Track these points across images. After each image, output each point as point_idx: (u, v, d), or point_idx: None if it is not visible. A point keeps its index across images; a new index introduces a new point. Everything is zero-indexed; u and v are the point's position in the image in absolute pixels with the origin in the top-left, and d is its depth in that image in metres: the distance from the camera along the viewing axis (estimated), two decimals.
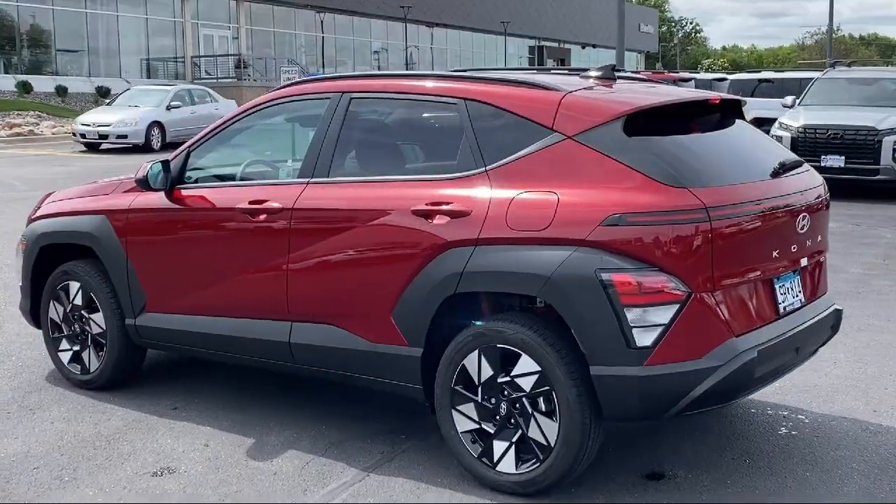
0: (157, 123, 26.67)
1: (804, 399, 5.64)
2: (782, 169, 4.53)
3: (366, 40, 60.20)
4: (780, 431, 5.20)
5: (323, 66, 51.85)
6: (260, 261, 5.04)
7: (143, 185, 5.36)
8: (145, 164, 5.37)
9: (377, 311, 4.65)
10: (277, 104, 5.34)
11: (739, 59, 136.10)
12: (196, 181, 5.57)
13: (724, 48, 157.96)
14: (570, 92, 4.42)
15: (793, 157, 4.85)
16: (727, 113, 4.81)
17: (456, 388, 4.43)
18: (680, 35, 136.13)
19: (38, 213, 6.18)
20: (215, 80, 47.58)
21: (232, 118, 5.45)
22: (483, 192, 4.35)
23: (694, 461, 4.78)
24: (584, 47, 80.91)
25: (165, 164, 5.37)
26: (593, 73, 4.88)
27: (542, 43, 75.31)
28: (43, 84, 39.33)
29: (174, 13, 47.84)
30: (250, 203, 5.06)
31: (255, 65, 49.27)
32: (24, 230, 6.31)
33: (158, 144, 26.22)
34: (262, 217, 5.00)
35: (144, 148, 25.84)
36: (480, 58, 67.93)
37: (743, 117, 4.92)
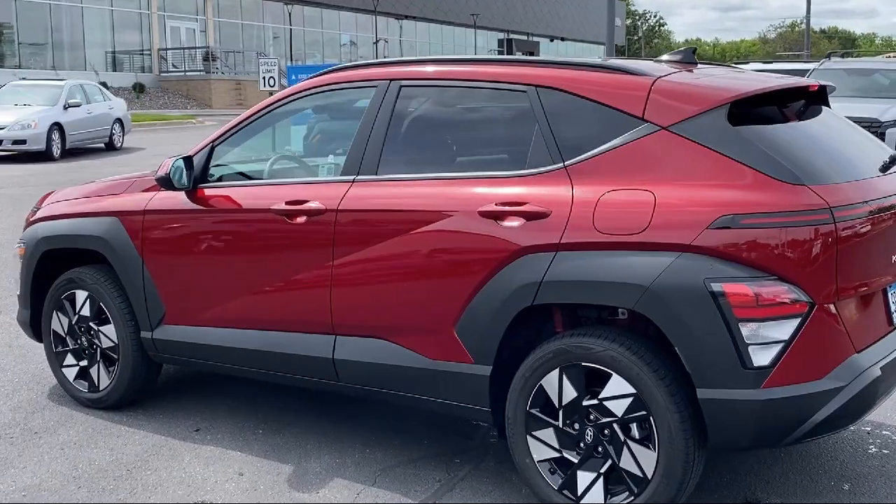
0: (58, 126, 21.17)
1: (882, 412, 5.18)
2: (891, 163, 4.06)
3: (335, 33, 59.49)
4: (869, 450, 4.74)
5: (291, 59, 51.05)
6: (299, 267, 4.51)
7: (165, 183, 4.81)
8: (167, 161, 4.81)
9: (437, 325, 4.13)
10: (312, 94, 4.80)
11: (703, 52, 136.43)
12: (220, 179, 5.02)
13: (686, 41, 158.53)
14: (661, 77, 3.93)
15: (890, 149, 4.38)
16: (818, 101, 4.33)
17: (532, 411, 3.93)
18: (644, 28, 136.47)
19: (37, 215, 5.60)
20: (183, 74, 46.80)
21: (261, 109, 4.91)
22: (563, 191, 3.85)
23: (788, 488, 4.33)
24: (552, 40, 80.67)
25: (188, 160, 4.82)
26: (670, 58, 4.37)
27: (511, 36, 74.92)
28: (5, 78, 38.25)
29: (140, 5, 46.91)
30: (287, 204, 4.52)
31: (224, 58, 48.44)
32: (21, 234, 5.70)
33: (58, 151, 21.16)
34: (302, 219, 4.47)
35: (45, 155, 20.98)
36: (450, 50, 67.42)
37: (829, 105, 4.44)
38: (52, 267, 5.55)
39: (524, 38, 75.76)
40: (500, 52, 72.73)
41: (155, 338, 5.09)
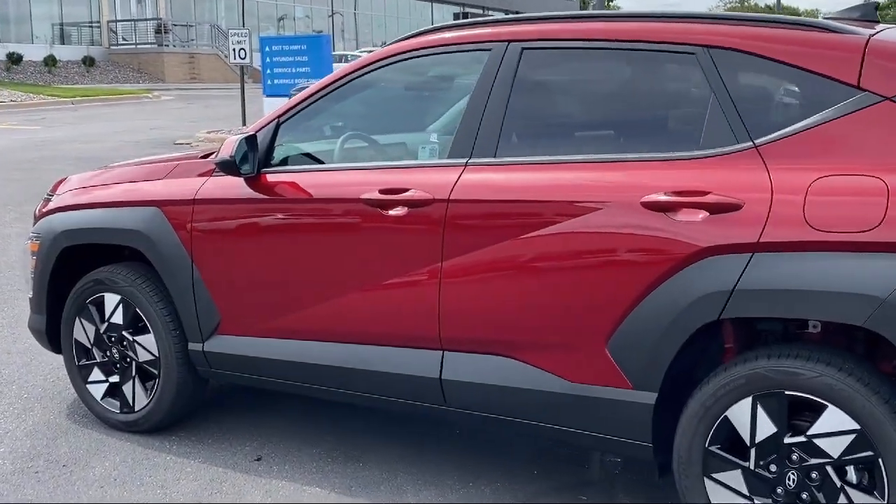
0: None
1: None
2: None
3: (289, 5, 58.00)
4: None
5: None
6: (396, 269, 3.71)
7: (229, 168, 3.97)
8: (230, 141, 3.96)
9: (582, 341, 3.36)
10: (404, 59, 3.99)
11: None
12: (285, 162, 4.17)
13: None
14: (874, 35, 3.16)
15: None
16: None
17: (711, 448, 3.19)
18: (595, 1, 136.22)
19: (54, 204, 4.70)
20: (134, 47, 45.32)
21: (338, 79, 4.07)
22: (758, 177, 3.09)
23: None
24: (507, 13, 79.65)
25: (251, 140, 3.98)
26: (846, 15, 3.60)
27: (467, 10, 73.88)
28: None
29: None
30: (382, 192, 3.69)
31: (176, 31, 46.95)
32: (34, 226, 4.80)
33: None
34: (401, 211, 3.66)
35: None
36: (406, 25, 66.27)
37: None
38: (74, 265, 4.65)
39: (479, 11, 74.76)
40: None
41: (207, 350, 4.26)
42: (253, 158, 4.01)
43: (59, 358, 5.25)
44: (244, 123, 19.96)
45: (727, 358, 3.40)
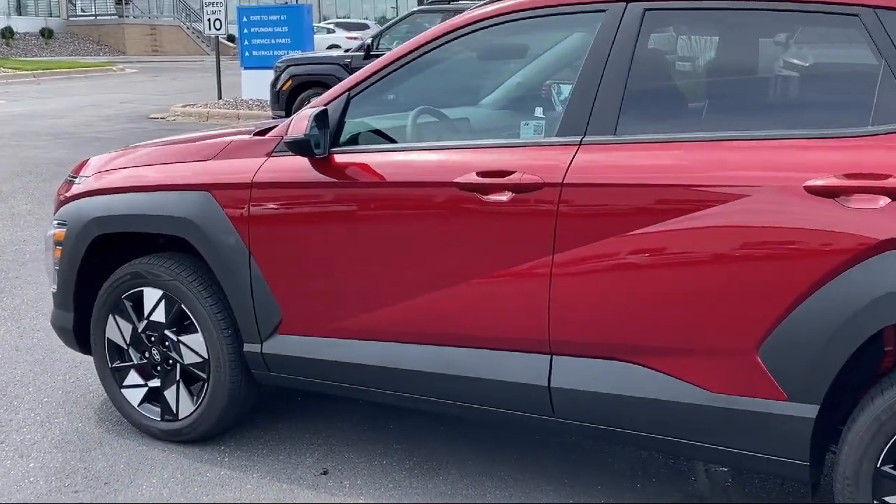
0: None
1: None
2: None
3: None
4: None
5: (202, 4, 48.55)
6: (497, 262, 3.25)
7: (302, 149, 3.48)
8: (301, 118, 3.46)
9: (728, 345, 2.94)
10: (496, 24, 3.48)
11: None
12: (356, 140, 3.68)
13: None
14: None
15: None
16: None
17: (885, 468, 2.75)
18: None
19: (82, 188, 4.17)
20: (94, 18, 44.23)
21: (418, 46, 3.57)
22: None
23: None
24: None
25: (322, 116, 3.46)
26: None
27: None
28: None
29: None
30: (481, 175, 3.21)
31: (137, 1, 45.85)
32: (57, 212, 4.26)
33: None
34: (504, 197, 3.20)
35: None
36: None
37: None
38: (107, 256, 4.13)
39: None
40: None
41: (266, 352, 3.77)
42: (324, 137, 3.51)
43: (75, 354, 4.79)
44: (220, 97, 19.31)
45: (886, 363, 2.97)
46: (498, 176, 3.26)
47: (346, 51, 15.08)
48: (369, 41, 13.36)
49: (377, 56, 13.48)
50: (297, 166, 3.63)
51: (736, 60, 3.34)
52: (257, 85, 17.56)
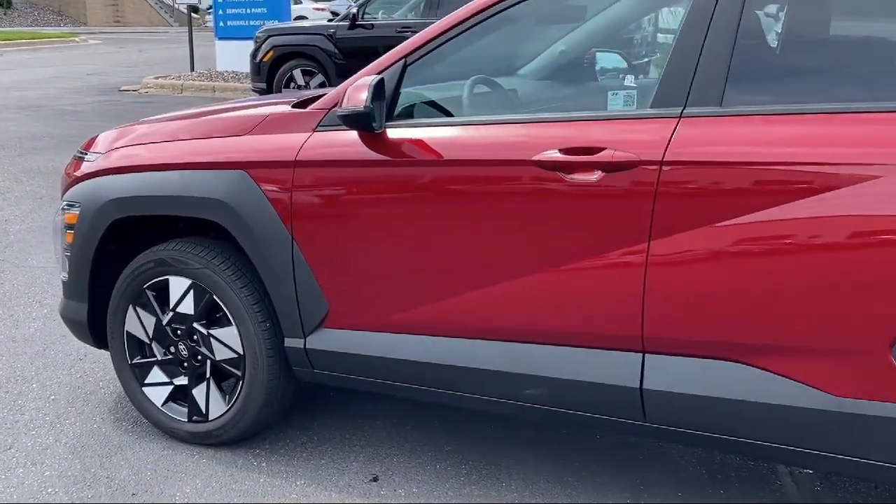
0: None
1: None
2: None
3: None
4: None
5: None
6: (582, 249, 2.91)
7: (360, 123, 3.09)
8: (357, 88, 3.08)
9: (857, 343, 2.60)
10: None
11: None
12: (411, 114, 3.30)
13: None
14: None
15: None
16: None
17: None
18: None
19: (97, 166, 3.76)
20: None
21: (482, 10, 3.17)
22: None
23: None
24: None
25: (380, 86, 3.07)
26: None
27: None
28: None
29: None
30: (563, 152, 2.85)
31: None
32: (67, 193, 3.84)
33: None
34: (593, 176, 2.86)
35: None
36: None
37: None
38: (125, 241, 3.73)
39: None
40: None
41: (309, 348, 3.39)
42: (380, 109, 3.12)
43: (78, 346, 4.44)
44: (192, 69, 18.73)
45: None
46: (585, 153, 2.90)
47: (330, 20, 14.56)
48: (354, 10, 12.87)
49: (363, 26, 13.14)
50: (348, 143, 3.25)
51: (862, 20, 2.98)
52: (233, 56, 17.03)
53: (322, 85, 13.13)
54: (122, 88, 17.44)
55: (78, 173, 3.90)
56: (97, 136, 4.03)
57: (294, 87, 13.26)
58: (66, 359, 4.65)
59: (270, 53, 13.39)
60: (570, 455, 3.65)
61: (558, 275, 2.99)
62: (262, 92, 13.53)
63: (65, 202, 3.86)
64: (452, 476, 3.51)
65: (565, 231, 2.97)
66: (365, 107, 3.04)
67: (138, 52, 27.29)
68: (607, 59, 4.30)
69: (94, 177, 3.79)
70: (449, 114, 3.48)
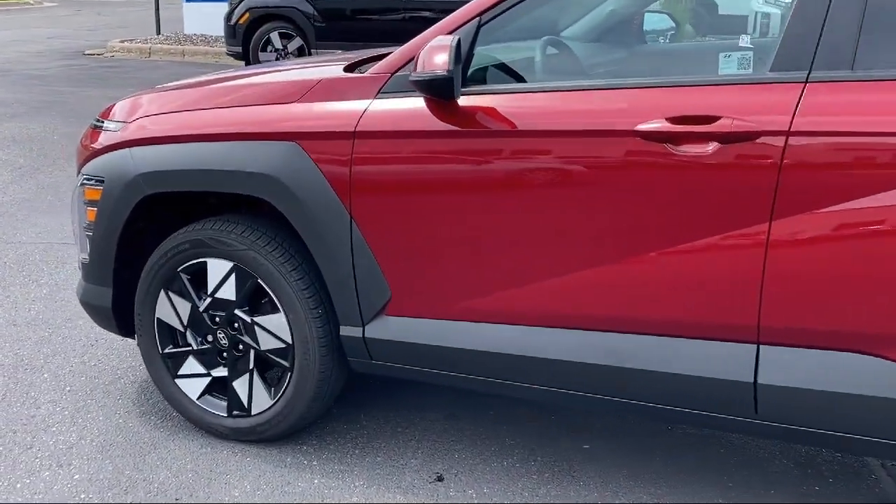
0: None
1: None
2: None
3: None
4: None
5: None
6: (690, 229, 2.65)
7: (439, 89, 2.77)
8: (436, 47, 2.74)
9: None
10: None
11: None
12: (483, 78, 2.97)
13: None
14: None
15: None
16: None
17: None
18: None
19: (123, 136, 3.39)
20: None
21: None
22: None
23: None
24: None
25: (458, 49, 2.75)
26: None
27: None
28: None
29: None
30: (671, 122, 2.55)
31: None
32: (87, 166, 3.46)
33: None
34: (706, 148, 2.59)
35: None
36: None
37: None
38: (155, 219, 3.39)
39: None
40: None
41: (369, 337, 3.07)
42: (457, 74, 2.79)
43: (87, 330, 4.16)
44: (158, 32, 18.14)
45: None
46: (697, 122, 2.60)
47: None
48: None
49: None
50: (415, 111, 2.93)
51: None
52: (201, 18, 16.49)
53: (300, 49, 12.68)
54: (86, 52, 16.85)
55: (98, 144, 3.53)
56: (114, 105, 3.65)
57: (271, 51, 12.79)
58: (76, 344, 4.29)
59: (246, 16, 12.90)
60: (646, 448, 3.39)
61: (663, 259, 2.69)
62: (237, 56, 13.06)
63: (84, 176, 3.49)
64: (523, 474, 3.22)
65: (671, 210, 2.67)
66: (447, 71, 2.70)
67: (97, 16, 26.53)
68: (657, 20, 4.00)
69: (119, 148, 3.43)
70: (520, 78, 3.15)
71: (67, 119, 9.75)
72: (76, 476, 3.22)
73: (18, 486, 3.16)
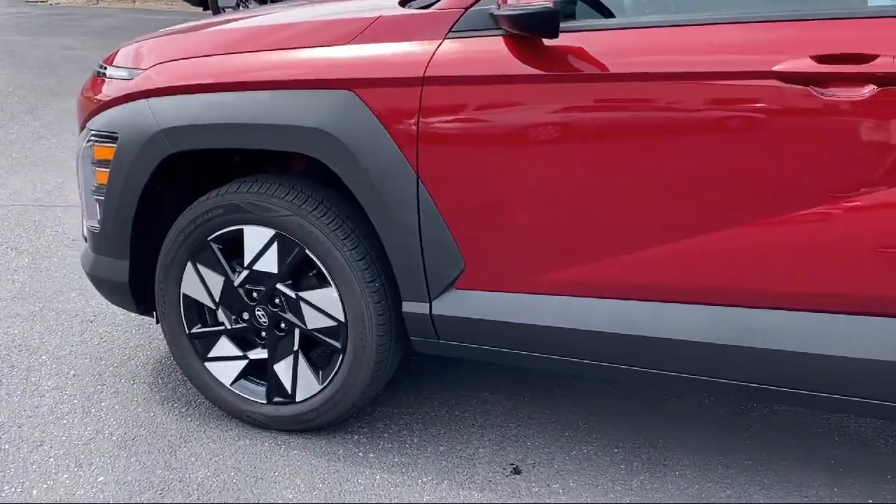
0: None
1: None
2: None
3: None
4: None
5: None
6: (836, 185, 2.31)
7: (539, 25, 2.34)
8: None
9: None
10: None
11: None
12: (573, 14, 2.56)
13: None
14: None
15: None
16: None
17: None
18: None
19: (137, 85, 2.94)
20: None
21: None
22: None
23: None
24: None
25: None
26: None
27: None
28: None
29: None
30: (817, 61, 2.16)
31: None
32: (93, 120, 2.99)
33: None
34: (860, 92, 2.24)
35: None
36: None
37: None
38: (181, 180, 2.94)
39: None
40: None
41: (437, 314, 2.66)
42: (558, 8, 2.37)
43: (82, 303, 3.78)
44: None
45: None
46: (848, 62, 2.20)
47: None
48: None
49: None
50: (496, 52, 2.51)
51: None
52: None
53: None
54: (28, 0, 15.98)
55: (105, 95, 3.05)
56: (118, 50, 3.18)
57: None
58: (72, 320, 3.83)
59: None
60: (733, 431, 3.05)
61: (807, 220, 2.33)
62: (194, 2, 12.40)
63: (91, 132, 3.01)
64: (608, 463, 2.86)
65: (816, 162, 2.29)
66: (554, 2, 2.27)
67: None
68: None
69: (134, 98, 2.95)
70: (621, 12, 2.73)
71: (20, 70, 9.13)
72: (100, 478, 2.80)
73: (35, 492, 2.73)
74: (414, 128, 2.59)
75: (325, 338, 2.88)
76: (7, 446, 2.94)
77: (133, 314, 3.34)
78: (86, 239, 3.27)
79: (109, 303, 3.28)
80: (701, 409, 3.18)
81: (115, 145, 2.96)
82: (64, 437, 3.01)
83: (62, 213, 5.14)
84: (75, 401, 3.24)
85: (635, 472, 2.84)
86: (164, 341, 3.41)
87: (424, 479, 2.80)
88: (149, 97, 2.93)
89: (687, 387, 2.62)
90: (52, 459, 2.89)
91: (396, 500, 2.70)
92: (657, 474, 2.82)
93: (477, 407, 3.20)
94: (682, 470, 2.84)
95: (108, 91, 3.07)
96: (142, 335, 3.69)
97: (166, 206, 3.06)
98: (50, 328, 3.79)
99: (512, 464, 2.88)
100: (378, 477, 2.81)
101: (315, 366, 2.96)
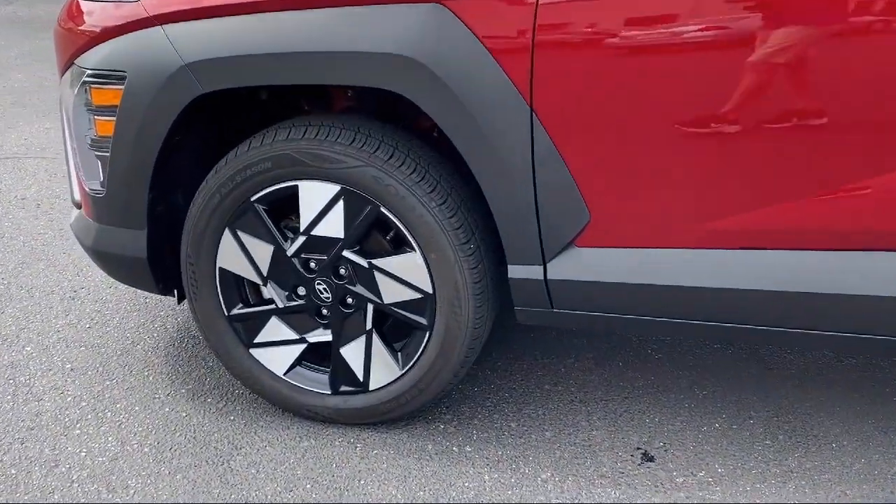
0: None
1: None
2: None
3: None
4: None
5: None
6: None
7: None
8: None
9: None
10: None
11: None
12: None
13: None
14: None
15: None
16: None
17: None
18: None
19: (152, 8, 2.32)
20: None
21: None
22: None
23: None
24: None
25: None
26: None
27: None
28: None
29: None
30: None
31: None
32: (91, 56, 2.34)
33: None
34: None
35: None
36: None
37: None
38: (211, 129, 2.35)
39: None
40: None
41: (552, 278, 2.15)
42: None
43: (58, 278, 3.23)
44: None
45: None
46: None
47: None
48: None
49: None
50: None
51: None
52: None
53: None
54: None
55: (98, 24, 2.41)
56: None
57: None
58: (50, 299, 3.22)
59: None
60: (875, 389, 2.61)
61: None
62: None
63: (86, 71, 2.36)
64: (748, 439, 2.42)
65: None
66: None
67: None
68: None
69: (144, 26, 2.31)
70: None
71: None
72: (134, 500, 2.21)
73: None
74: (528, 50, 2.03)
75: (406, 313, 2.34)
76: (14, 471, 2.34)
77: (120, 284, 2.75)
78: (78, 205, 2.64)
79: (109, 277, 2.67)
80: (823, 366, 2.73)
81: (122, 87, 2.32)
82: (83, 453, 2.42)
83: (0, 165, 4.43)
84: (83, 403, 2.64)
85: (785, 448, 2.40)
86: (170, 317, 2.83)
87: (543, 477, 2.30)
88: (165, 23, 2.29)
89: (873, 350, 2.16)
90: (75, 485, 2.31)
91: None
92: (812, 449, 2.39)
93: (568, 378, 2.71)
94: (840, 445, 2.42)
95: (103, 17, 2.42)
96: (140, 311, 3.09)
97: (184, 161, 2.45)
98: (25, 311, 3.15)
99: (638, 448, 2.40)
100: (486, 477, 2.31)
101: (392, 347, 2.41)
